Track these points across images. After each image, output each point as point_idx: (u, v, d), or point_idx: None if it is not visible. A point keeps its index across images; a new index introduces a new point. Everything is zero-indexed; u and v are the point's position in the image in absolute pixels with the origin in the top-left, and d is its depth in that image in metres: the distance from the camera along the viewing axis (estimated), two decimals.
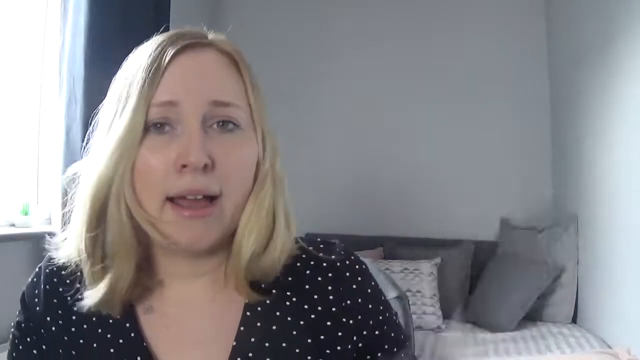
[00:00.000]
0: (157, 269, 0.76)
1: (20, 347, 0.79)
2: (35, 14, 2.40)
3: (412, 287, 3.31)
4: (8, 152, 2.30)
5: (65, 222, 0.76)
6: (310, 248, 0.79)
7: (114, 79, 0.75)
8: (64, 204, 0.78)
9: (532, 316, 3.27)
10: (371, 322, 0.79)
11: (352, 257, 0.81)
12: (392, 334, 0.81)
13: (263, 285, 0.75)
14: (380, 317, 0.80)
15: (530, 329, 3.14)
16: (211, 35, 0.76)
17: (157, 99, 0.69)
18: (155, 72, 0.70)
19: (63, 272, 0.77)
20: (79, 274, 0.75)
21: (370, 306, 0.79)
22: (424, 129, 3.97)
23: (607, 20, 2.79)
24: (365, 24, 4.05)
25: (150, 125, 0.69)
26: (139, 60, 0.72)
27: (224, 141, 0.70)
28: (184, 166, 0.67)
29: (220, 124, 0.71)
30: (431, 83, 3.95)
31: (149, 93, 0.69)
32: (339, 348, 0.76)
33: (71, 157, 2.16)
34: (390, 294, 1.04)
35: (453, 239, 3.77)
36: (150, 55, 0.71)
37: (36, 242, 2.19)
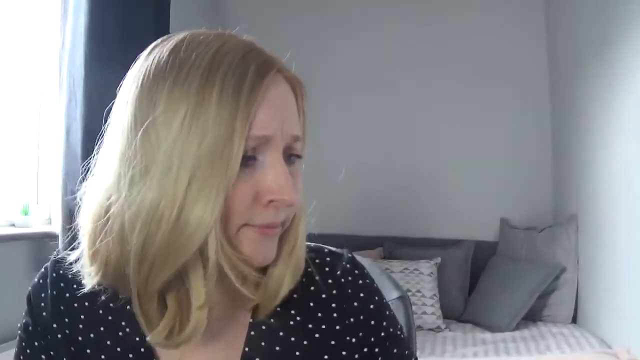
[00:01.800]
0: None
1: (28, 351, 0.77)
2: (35, 13, 2.40)
3: (412, 287, 3.32)
4: (8, 152, 2.30)
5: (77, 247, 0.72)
6: (317, 261, 0.77)
7: (155, 80, 0.64)
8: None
9: (532, 316, 3.27)
10: (372, 339, 0.76)
11: (356, 272, 0.79)
12: (395, 350, 0.78)
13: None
14: (383, 334, 0.77)
15: (530, 329, 3.14)
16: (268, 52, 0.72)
17: (254, 133, 0.64)
18: (250, 101, 0.63)
19: (70, 276, 0.75)
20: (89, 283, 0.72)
21: (372, 322, 0.77)
22: (424, 129, 3.97)
23: (607, 20, 2.79)
24: (366, 24, 4.05)
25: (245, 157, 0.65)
26: (210, 73, 0.63)
27: (293, 175, 0.69)
28: (272, 201, 0.66)
29: (293, 157, 0.69)
30: (430, 83, 3.95)
31: (245, 124, 0.62)
32: None
33: (71, 157, 2.16)
34: (393, 295, 1.02)
35: (453, 239, 3.77)
36: (233, 74, 0.63)
37: (36, 242, 2.19)
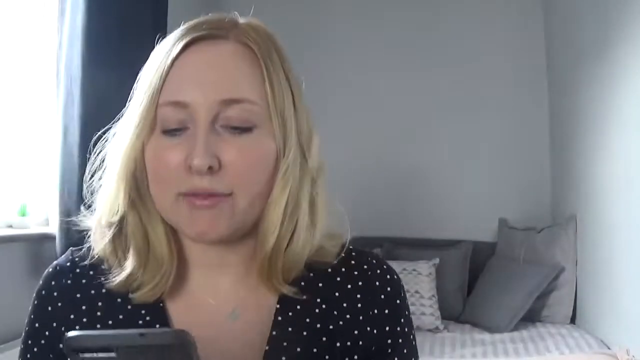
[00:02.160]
0: (185, 260, 0.77)
1: (35, 349, 0.77)
2: (33, 14, 2.39)
3: (410, 288, 3.31)
4: (5, 153, 2.29)
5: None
6: (343, 254, 0.78)
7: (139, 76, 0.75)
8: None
9: (531, 317, 3.27)
10: (391, 334, 0.77)
11: (384, 267, 0.80)
12: (405, 351, 0.78)
13: (289, 283, 0.75)
14: (399, 329, 0.78)
15: (529, 329, 3.14)
16: (241, 19, 0.75)
17: (166, 98, 0.69)
18: (164, 67, 0.70)
19: (86, 265, 0.76)
20: (103, 266, 0.75)
21: (395, 317, 0.78)
22: (422, 130, 3.97)
23: (605, 20, 2.79)
24: (366, 25, 4.04)
25: (167, 129, 0.70)
26: (156, 53, 0.72)
27: (236, 142, 0.69)
28: (190, 166, 0.68)
29: (233, 127, 0.70)
30: (430, 84, 3.95)
31: (157, 91, 0.69)
32: (356, 357, 0.75)
33: (69, 157, 2.15)
34: None
35: (451, 240, 3.77)
36: (164, 48, 0.71)
37: (34, 243, 2.18)
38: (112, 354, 0.47)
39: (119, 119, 0.76)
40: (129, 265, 0.73)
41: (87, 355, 0.47)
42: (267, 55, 0.72)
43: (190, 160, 0.67)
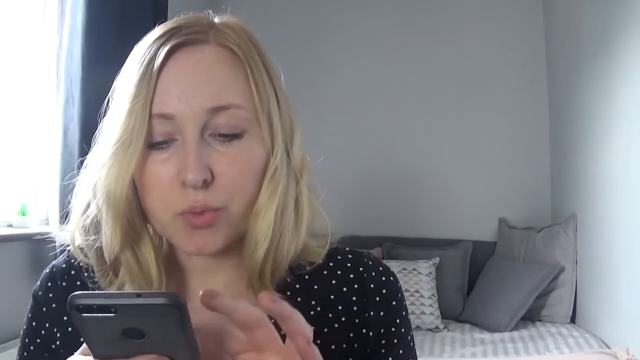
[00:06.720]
0: (178, 265, 0.77)
1: (32, 348, 0.78)
2: (33, 14, 2.39)
3: (410, 287, 3.31)
4: (6, 152, 2.29)
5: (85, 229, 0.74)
6: (339, 257, 0.78)
7: (115, 80, 0.72)
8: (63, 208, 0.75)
9: (531, 316, 3.27)
10: (386, 335, 0.77)
11: (381, 268, 0.79)
12: (401, 351, 0.78)
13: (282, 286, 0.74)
14: (394, 330, 0.77)
15: (529, 329, 3.14)
16: (217, 19, 0.74)
17: (153, 111, 0.67)
18: (149, 80, 0.67)
19: (82, 264, 0.76)
20: (94, 269, 0.74)
21: (391, 319, 0.77)
22: (423, 129, 3.97)
23: (605, 21, 2.79)
24: (367, 23, 4.05)
25: (153, 142, 0.68)
26: (133, 61, 0.69)
27: (227, 151, 0.68)
28: (184, 182, 0.67)
29: (222, 135, 0.68)
30: (430, 84, 3.95)
31: (148, 103, 0.66)
32: None
33: (68, 157, 2.16)
34: None
35: (451, 239, 3.77)
36: (143, 57, 0.68)
37: (34, 242, 2.18)
38: (111, 315, 0.49)
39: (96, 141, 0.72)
40: (120, 279, 0.72)
41: (88, 315, 0.50)
42: (249, 55, 0.71)
43: (183, 175, 0.66)
